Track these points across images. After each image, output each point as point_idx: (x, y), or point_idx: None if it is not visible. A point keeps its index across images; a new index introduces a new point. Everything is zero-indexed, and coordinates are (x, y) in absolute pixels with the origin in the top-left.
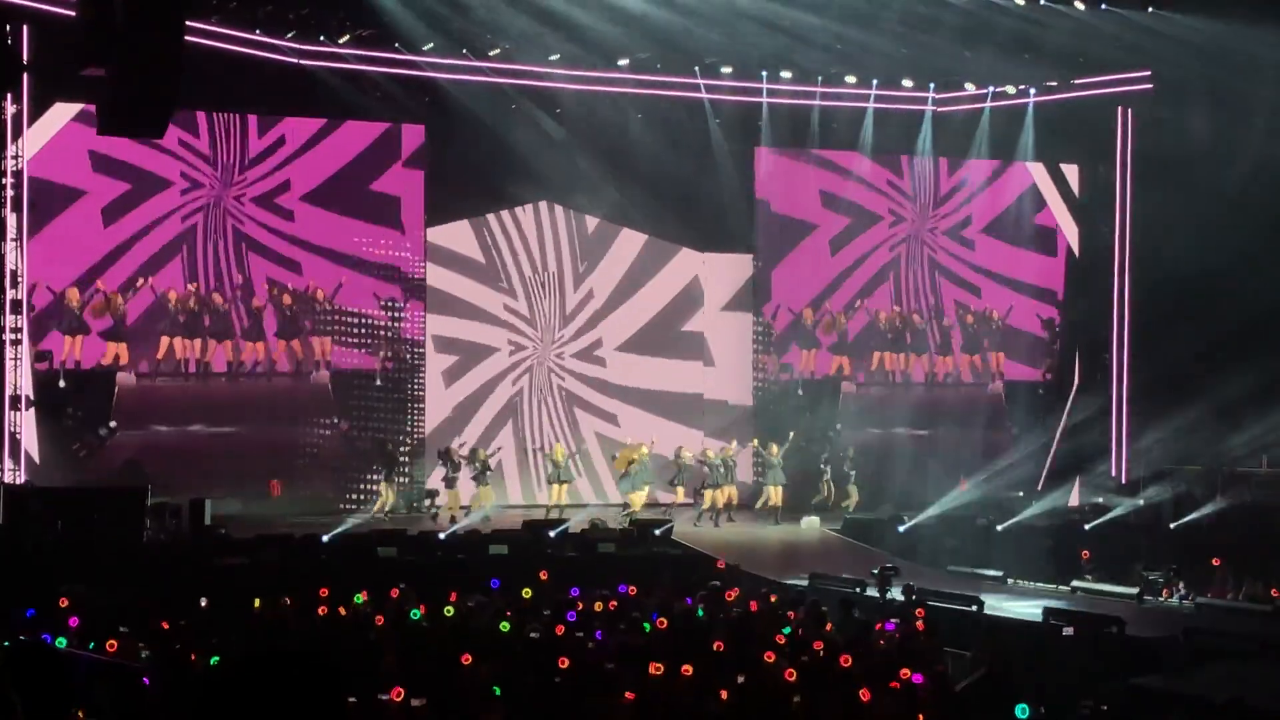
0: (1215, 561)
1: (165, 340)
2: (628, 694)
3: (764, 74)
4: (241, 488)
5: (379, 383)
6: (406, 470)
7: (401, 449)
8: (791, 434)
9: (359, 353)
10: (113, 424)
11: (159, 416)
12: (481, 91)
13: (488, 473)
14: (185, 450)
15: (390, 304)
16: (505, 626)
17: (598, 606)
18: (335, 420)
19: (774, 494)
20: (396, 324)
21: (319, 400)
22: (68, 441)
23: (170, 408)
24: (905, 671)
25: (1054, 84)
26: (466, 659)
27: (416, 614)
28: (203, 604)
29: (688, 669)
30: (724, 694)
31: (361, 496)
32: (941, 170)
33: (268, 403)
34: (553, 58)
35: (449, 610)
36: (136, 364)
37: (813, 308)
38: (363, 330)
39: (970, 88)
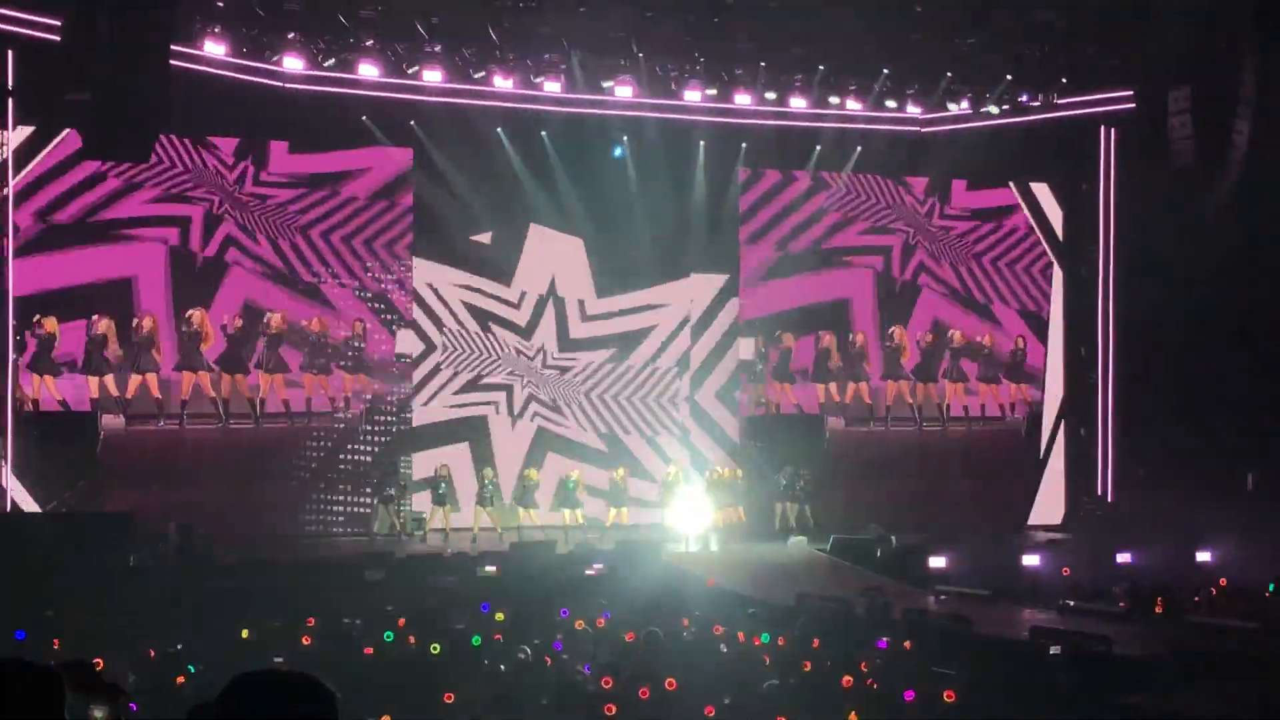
0: (1223, 582)
1: (155, 378)
2: (612, 713)
3: (748, 95)
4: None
5: (363, 410)
6: (397, 494)
7: (391, 472)
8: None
9: (353, 380)
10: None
11: (147, 468)
12: (468, 114)
13: (441, 491)
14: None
15: (381, 329)
16: (476, 641)
17: (579, 625)
18: (324, 448)
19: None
20: (386, 349)
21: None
22: (49, 494)
23: (162, 455)
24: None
25: (1036, 104)
26: (449, 698)
27: (390, 636)
28: (179, 647)
29: (672, 682)
30: (710, 712)
31: (351, 518)
32: (929, 192)
33: (269, 444)
34: (538, 79)
35: (435, 648)
36: (124, 404)
37: (798, 335)
38: (357, 358)
39: (953, 108)
